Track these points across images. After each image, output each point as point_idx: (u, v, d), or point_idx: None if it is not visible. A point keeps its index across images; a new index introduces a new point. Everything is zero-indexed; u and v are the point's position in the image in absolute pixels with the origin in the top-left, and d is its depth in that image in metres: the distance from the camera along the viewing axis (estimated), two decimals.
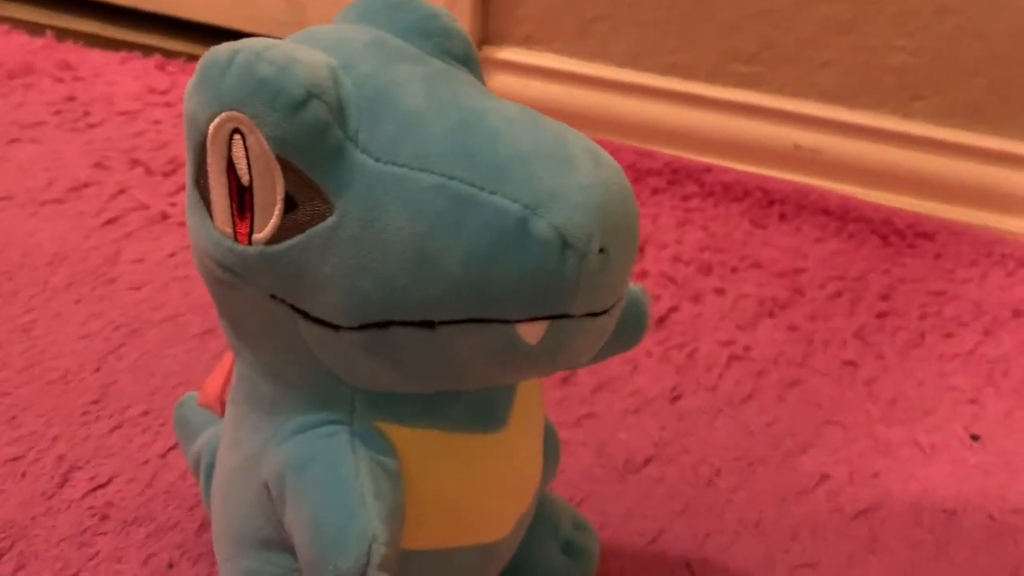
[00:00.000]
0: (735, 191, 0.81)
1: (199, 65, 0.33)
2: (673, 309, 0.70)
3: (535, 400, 0.41)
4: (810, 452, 0.59)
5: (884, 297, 0.72)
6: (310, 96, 0.31)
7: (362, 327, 0.32)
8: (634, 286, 0.44)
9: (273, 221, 0.32)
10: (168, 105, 0.89)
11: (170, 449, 0.55)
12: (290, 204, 0.32)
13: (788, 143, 0.83)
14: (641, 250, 0.74)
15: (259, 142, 0.32)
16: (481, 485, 0.38)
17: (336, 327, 0.33)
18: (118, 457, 0.55)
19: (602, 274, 0.31)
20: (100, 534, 0.50)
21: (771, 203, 0.80)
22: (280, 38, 0.34)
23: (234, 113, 0.32)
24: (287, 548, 0.37)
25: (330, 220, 0.32)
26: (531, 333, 0.32)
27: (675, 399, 0.62)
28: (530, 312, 0.31)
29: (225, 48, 0.33)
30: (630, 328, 0.43)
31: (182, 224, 0.74)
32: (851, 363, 0.66)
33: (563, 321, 0.32)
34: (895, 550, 0.53)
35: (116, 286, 0.68)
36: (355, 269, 0.32)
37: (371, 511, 0.33)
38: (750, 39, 0.81)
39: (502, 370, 0.34)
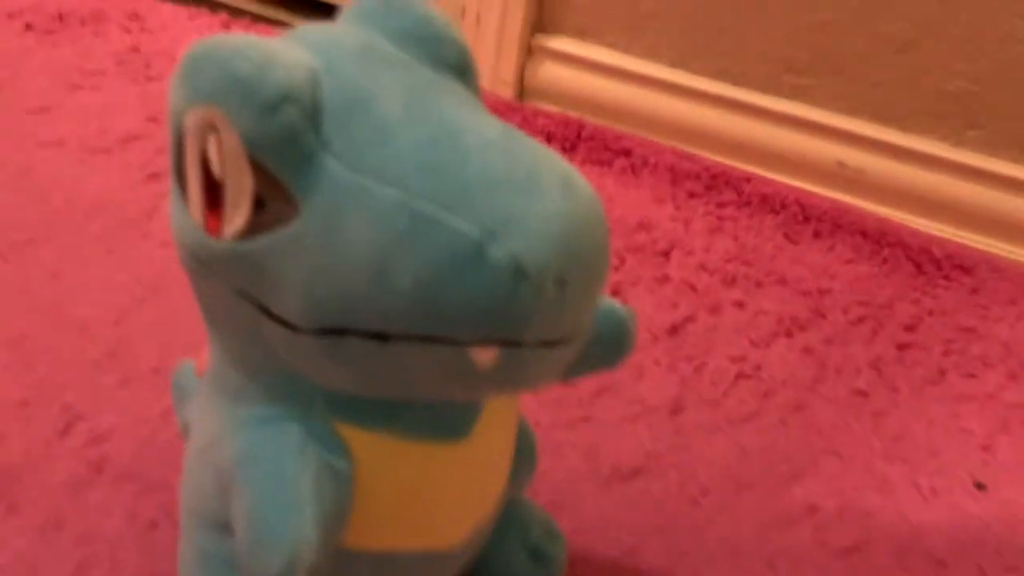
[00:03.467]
0: (772, 203, 0.79)
1: (181, 57, 0.34)
2: (689, 319, 0.69)
3: (507, 409, 0.41)
4: (803, 481, 0.58)
5: (908, 328, 0.71)
6: (284, 98, 0.32)
7: (318, 331, 0.33)
8: (621, 306, 0.44)
9: (241, 218, 0.33)
10: None
11: (171, 409, 0.57)
12: (258, 203, 0.33)
13: (832, 160, 0.81)
14: (667, 255, 0.74)
15: (232, 139, 0.32)
16: (434, 493, 0.38)
17: (295, 328, 0.34)
18: (121, 412, 0.57)
19: (558, 305, 0.31)
20: (92, 485, 0.52)
21: (807, 219, 0.79)
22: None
23: (209, 108, 0.32)
24: None
25: (295, 223, 0.32)
26: (483, 357, 0.32)
27: (675, 411, 0.62)
28: (481, 337, 0.31)
29: (207, 42, 0.33)
30: (609, 347, 0.43)
31: None
32: (862, 393, 0.65)
33: (516, 348, 0.32)
34: None
35: (148, 241, 0.70)
36: (315, 274, 0.32)
37: (306, 514, 0.33)
38: (804, 50, 0.79)
39: (455, 388, 0.34)
